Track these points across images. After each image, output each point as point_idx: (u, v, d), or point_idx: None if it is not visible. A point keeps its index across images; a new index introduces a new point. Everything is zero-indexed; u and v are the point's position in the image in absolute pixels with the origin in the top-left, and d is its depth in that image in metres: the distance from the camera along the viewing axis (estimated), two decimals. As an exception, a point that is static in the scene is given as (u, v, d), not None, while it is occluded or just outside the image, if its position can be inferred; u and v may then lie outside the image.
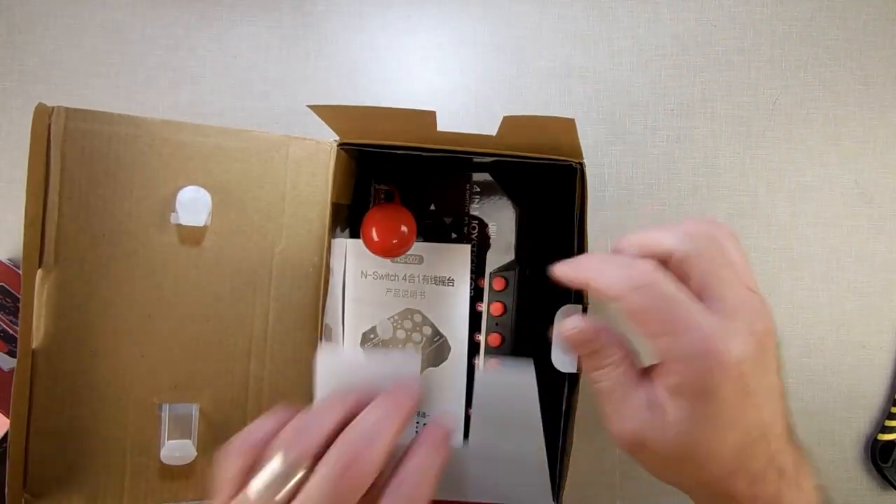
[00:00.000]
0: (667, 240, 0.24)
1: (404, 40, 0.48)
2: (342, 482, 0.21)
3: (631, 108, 0.47)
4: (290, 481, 0.21)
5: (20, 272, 0.46)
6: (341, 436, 0.22)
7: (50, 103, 0.48)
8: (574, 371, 0.31)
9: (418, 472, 0.23)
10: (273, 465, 0.21)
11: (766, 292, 0.47)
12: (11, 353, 0.37)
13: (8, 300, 0.42)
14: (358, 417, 0.23)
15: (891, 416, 0.45)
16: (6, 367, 0.36)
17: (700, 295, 0.24)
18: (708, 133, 0.47)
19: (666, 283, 0.23)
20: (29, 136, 0.48)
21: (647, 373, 0.25)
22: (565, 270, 0.26)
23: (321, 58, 0.48)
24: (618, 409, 0.25)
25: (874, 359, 0.46)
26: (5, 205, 0.47)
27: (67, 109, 0.27)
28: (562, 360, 0.30)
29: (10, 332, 0.39)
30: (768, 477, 0.24)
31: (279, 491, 0.21)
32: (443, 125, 0.47)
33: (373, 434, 0.22)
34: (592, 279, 0.25)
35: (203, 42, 0.48)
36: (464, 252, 0.34)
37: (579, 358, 0.28)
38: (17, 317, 0.41)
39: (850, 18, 0.47)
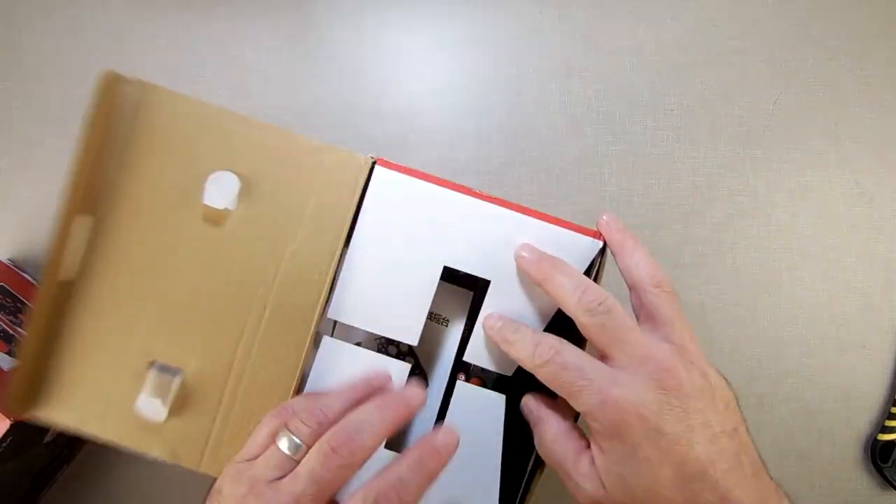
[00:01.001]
0: (567, 304, 0.28)
1: (404, 40, 0.48)
2: (329, 461, 0.25)
3: (631, 108, 0.47)
4: (299, 452, 0.26)
5: (20, 272, 0.46)
6: (338, 423, 0.26)
7: (49, 104, 0.48)
8: None
9: (397, 478, 0.25)
10: (287, 439, 0.26)
11: (766, 292, 0.47)
12: (11, 353, 0.37)
13: (8, 300, 0.42)
14: (356, 409, 0.27)
15: (891, 416, 0.45)
16: (6, 367, 0.36)
17: (604, 354, 0.27)
18: (708, 133, 0.47)
19: (566, 355, 0.27)
20: (27, 133, 0.48)
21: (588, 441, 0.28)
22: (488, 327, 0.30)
23: (321, 58, 0.48)
24: (572, 478, 0.27)
25: (874, 359, 0.46)
26: (5, 205, 0.47)
27: (145, 83, 0.31)
28: None
29: (10, 332, 0.39)
30: None
31: (292, 458, 0.26)
32: (443, 125, 0.48)
33: (362, 426, 0.26)
34: (510, 352, 0.29)
35: (203, 42, 0.48)
36: (465, 297, 0.35)
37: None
38: (17, 317, 0.41)
39: (850, 18, 0.47)
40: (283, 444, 0.26)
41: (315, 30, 0.48)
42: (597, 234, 0.32)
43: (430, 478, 0.26)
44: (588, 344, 0.30)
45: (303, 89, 0.47)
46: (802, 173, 0.47)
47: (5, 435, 0.33)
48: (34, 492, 0.43)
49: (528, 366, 0.28)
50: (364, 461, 0.26)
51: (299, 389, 0.31)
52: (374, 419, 0.26)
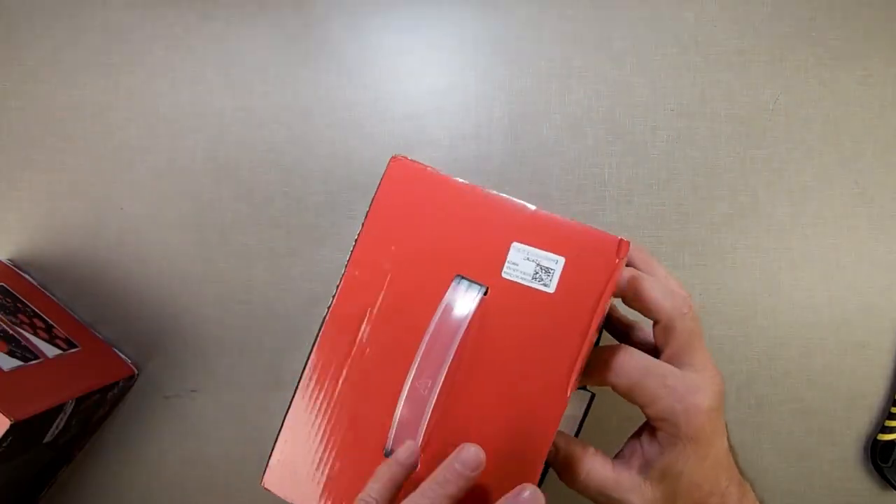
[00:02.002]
0: (663, 307, 0.30)
1: (404, 40, 0.48)
2: None
3: (631, 108, 0.47)
4: None
5: (20, 272, 0.46)
6: None
7: (49, 104, 0.48)
8: None
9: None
10: None
11: (766, 293, 0.47)
12: (11, 353, 0.37)
13: (8, 300, 0.42)
14: None
15: (891, 416, 0.45)
16: (6, 367, 0.36)
17: (674, 358, 0.30)
18: (708, 133, 0.47)
19: (642, 362, 0.29)
20: (28, 133, 0.48)
21: (621, 458, 0.31)
22: None
23: (321, 58, 0.48)
24: (614, 497, 0.29)
25: (874, 359, 0.46)
26: (6, 205, 0.47)
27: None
28: None
29: (10, 332, 0.39)
30: (731, 491, 0.31)
31: None
32: (443, 125, 0.48)
33: None
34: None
35: (203, 42, 0.48)
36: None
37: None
38: (17, 317, 0.41)
39: (850, 18, 0.47)
40: None
41: (315, 30, 0.48)
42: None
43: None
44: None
45: (303, 89, 0.47)
46: (802, 173, 0.47)
47: (5, 435, 0.33)
48: (34, 492, 0.43)
49: (608, 383, 0.30)
50: None
51: None
52: None
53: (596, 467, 0.30)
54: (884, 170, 0.46)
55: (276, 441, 0.33)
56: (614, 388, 0.29)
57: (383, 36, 0.48)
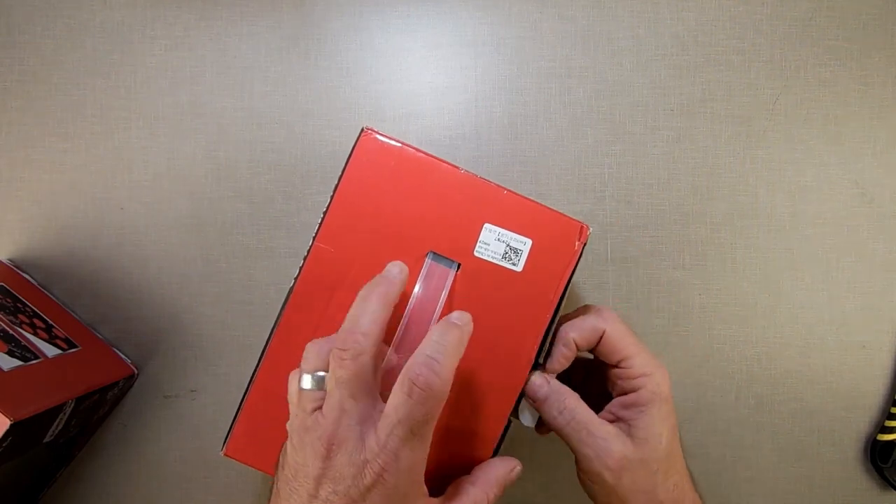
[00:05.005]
0: (600, 325, 0.33)
1: (404, 40, 0.48)
2: (342, 362, 0.27)
3: (631, 108, 0.47)
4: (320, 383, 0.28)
5: (20, 272, 0.46)
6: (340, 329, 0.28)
7: (49, 104, 0.48)
8: (531, 425, 0.35)
9: (426, 356, 0.27)
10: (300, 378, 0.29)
11: (766, 292, 0.47)
12: (11, 353, 0.37)
13: (8, 300, 0.42)
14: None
15: (891, 416, 0.45)
16: (6, 367, 0.36)
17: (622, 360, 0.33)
18: (708, 133, 0.47)
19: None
20: (27, 133, 0.48)
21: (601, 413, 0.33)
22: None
23: (321, 58, 0.48)
24: (592, 444, 0.31)
25: (874, 359, 0.46)
26: (5, 205, 0.47)
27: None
28: (527, 418, 0.35)
29: (10, 332, 0.39)
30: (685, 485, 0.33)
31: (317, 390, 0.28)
32: (443, 125, 0.48)
33: (356, 319, 0.28)
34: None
35: (203, 42, 0.48)
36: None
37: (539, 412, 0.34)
38: (17, 317, 0.41)
39: (850, 18, 0.47)
40: (305, 383, 0.29)
41: (315, 30, 0.48)
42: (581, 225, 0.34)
43: (457, 349, 0.28)
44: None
45: (303, 89, 0.47)
46: (802, 173, 0.47)
47: (5, 435, 0.33)
48: (34, 492, 0.43)
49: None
50: (370, 345, 0.27)
51: None
52: (363, 309, 0.28)
53: (583, 406, 0.32)
54: (884, 170, 0.46)
55: (238, 411, 0.33)
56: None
57: (383, 36, 0.48)
